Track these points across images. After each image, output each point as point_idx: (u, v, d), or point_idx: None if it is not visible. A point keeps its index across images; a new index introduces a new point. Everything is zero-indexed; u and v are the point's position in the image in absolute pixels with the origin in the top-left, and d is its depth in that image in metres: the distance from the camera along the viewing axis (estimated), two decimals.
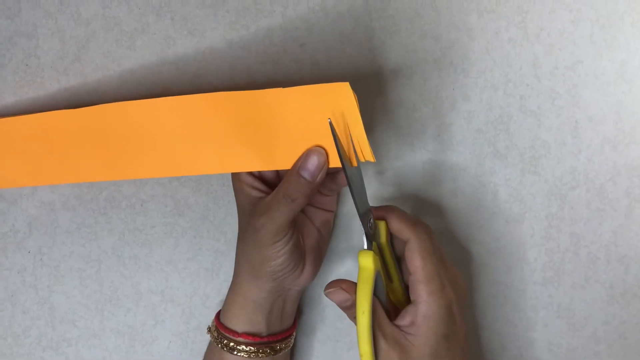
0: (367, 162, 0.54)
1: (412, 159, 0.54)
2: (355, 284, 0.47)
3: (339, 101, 0.43)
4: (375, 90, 0.54)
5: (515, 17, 0.52)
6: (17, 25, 0.53)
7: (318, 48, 0.53)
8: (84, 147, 0.50)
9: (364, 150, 0.45)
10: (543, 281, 0.55)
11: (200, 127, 0.47)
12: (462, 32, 0.53)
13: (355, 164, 0.45)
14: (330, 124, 0.44)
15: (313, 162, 0.45)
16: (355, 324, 0.45)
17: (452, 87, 0.53)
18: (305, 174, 0.45)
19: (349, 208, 0.55)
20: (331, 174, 0.49)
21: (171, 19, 0.53)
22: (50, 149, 0.51)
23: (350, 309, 0.47)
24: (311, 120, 0.45)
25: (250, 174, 0.48)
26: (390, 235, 0.49)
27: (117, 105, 0.48)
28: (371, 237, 0.46)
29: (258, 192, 0.48)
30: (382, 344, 0.45)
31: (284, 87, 0.45)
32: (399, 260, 0.49)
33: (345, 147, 0.45)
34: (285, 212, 0.45)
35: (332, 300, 0.47)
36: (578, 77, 0.53)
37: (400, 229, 0.47)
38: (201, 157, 0.48)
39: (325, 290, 0.48)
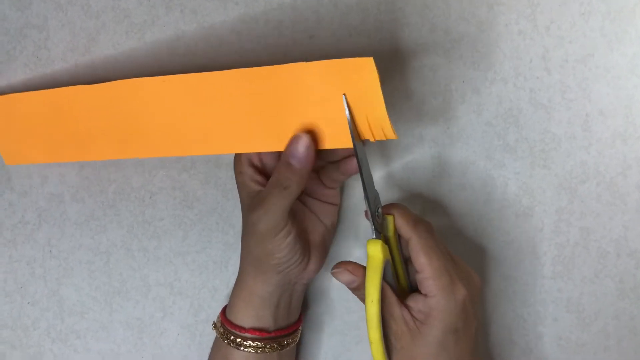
0: (377, 155, 0.54)
1: (421, 153, 0.54)
2: (361, 266, 0.47)
3: (359, 77, 0.42)
4: (384, 83, 0.53)
5: (526, 9, 0.52)
6: (28, 18, 0.54)
7: (327, 40, 0.53)
8: (98, 123, 0.49)
9: (385, 128, 0.44)
10: (552, 275, 0.55)
11: (216, 105, 0.46)
12: (472, 25, 0.53)
13: (372, 139, 0.45)
14: (345, 100, 0.44)
15: (300, 147, 0.45)
16: (364, 305, 0.45)
17: (461, 80, 0.53)
18: (293, 161, 0.45)
19: (355, 202, 0.55)
20: (335, 162, 0.49)
21: (181, 11, 0.53)
22: (64, 125, 0.50)
23: (357, 290, 0.48)
24: (329, 97, 0.44)
25: (252, 165, 0.48)
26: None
27: (132, 82, 0.47)
28: (379, 227, 0.46)
29: (258, 185, 0.48)
30: (392, 325, 0.46)
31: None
32: (406, 261, 0.49)
33: (363, 125, 0.44)
34: (279, 201, 0.45)
35: (338, 280, 0.47)
36: (589, 71, 0.53)
37: (402, 226, 0.47)
38: (216, 136, 0.47)
39: (331, 270, 0.48)
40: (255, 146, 0.47)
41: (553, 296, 0.55)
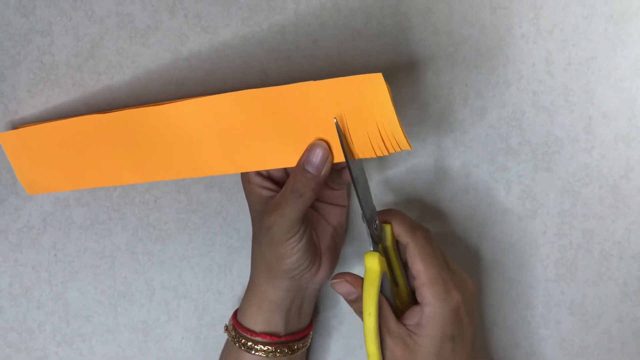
0: (379, 159, 0.55)
1: (424, 156, 0.54)
2: (360, 278, 0.47)
3: (369, 93, 0.43)
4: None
5: (529, 13, 0.52)
6: (32, 23, 0.54)
7: (330, 44, 0.53)
8: (115, 150, 0.50)
9: (399, 140, 0.44)
10: (556, 278, 0.55)
11: (229, 126, 0.47)
12: (475, 28, 0.53)
13: (386, 153, 0.45)
14: (336, 122, 0.44)
15: (317, 156, 0.45)
16: (361, 319, 0.45)
17: (464, 83, 0.53)
18: (310, 168, 0.45)
19: (356, 208, 0.55)
20: (337, 169, 0.49)
21: (184, 16, 0.53)
22: (83, 153, 0.51)
23: (355, 303, 0.48)
24: (338, 113, 0.44)
25: (259, 174, 0.49)
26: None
27: (145, 110, 0.49)
28: (376, 238, 0.47)
29: (268, 191, 0.48)
30: (388, 341, 0.46)
31: (298, 82, 0.44)
32: (405, 264, 0.49)
33: (376, 138, 0.44)
34: (295, 207, 0.45)
35: (337, 291, 0.48)
36: (591, 73, 0.53)
37: (400, 233, 0.47)
38: (230, 156, 0.48)
39: (331, 281, 0.48)
40: (268, 164, 0.47)
41: (556, 299, 0.55)
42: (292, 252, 0.47)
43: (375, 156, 0.45)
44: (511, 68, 0.53)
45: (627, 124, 0.53)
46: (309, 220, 0.49)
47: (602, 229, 0.54)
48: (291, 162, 0.46)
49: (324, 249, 0.50)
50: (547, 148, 0.54)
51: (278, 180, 0.49)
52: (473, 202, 0.55)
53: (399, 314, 0.47)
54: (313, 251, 0.48)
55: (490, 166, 0.54)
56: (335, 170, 0.49)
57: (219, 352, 0.54)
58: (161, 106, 0.48)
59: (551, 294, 0.55)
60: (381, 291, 0.46)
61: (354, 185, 0.45)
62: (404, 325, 0.46)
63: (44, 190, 0.54)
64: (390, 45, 0.53)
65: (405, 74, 0.53)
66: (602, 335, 0.55)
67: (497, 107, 0.53)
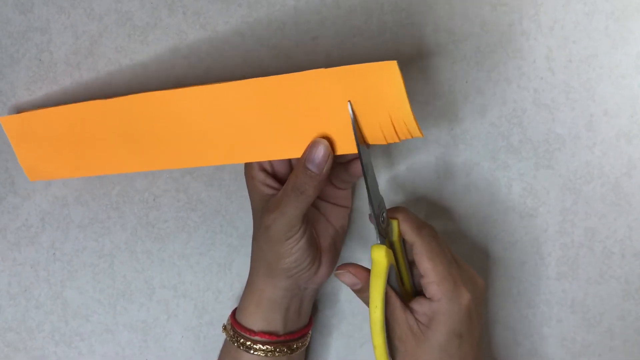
0: (381, 157, 0.54)
1: (425, 153, 0.54)
2: (364, 269, 0.47)
3: (382, 80, 0.42)
4: None
5: (529, 9, 0.52)
6: (31, 21, 0.54)
7: (330, 41, 0.53)
8: (117, 137, 0.50)
9: (410, 127, 0.44)
10: (557, 276, 0.55)
11: (233, 115, 0.46)
12: (476, 25, 0.52)
13: (397, 140, 0.44)
14: (350, 107, 0.43)
15: (318, 153, 0.45)
16: (367, 306, 0.45)
17: (465, 80, 0.53)
18: (311, 166, 0.45)
19: (363, 204, 0.55)
20: (344, 163, 0.48)
21: (183, 13, 0.53)
22: (86, 140, 0.51)
23: (361, 293, 0.48)
24: (346, 103, 0.44)
25: (263, 170, 0.48)
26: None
27: (149, 95, 0.48)
28: (383, 232, 0.46)
29: (270, 189, 0.48)
30: (396, 328, 0.46)
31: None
32: (411, 264, 0.49)
33: (387, 126, 0.44)
34: (295, 206, 0.45)
35: (341, 281, 0.47)
36: (593, 70, 0.52)
37: (406, 231, 0.47)
38: (233, 146, 0.47)
39: (335, 271, 0.48)
40: (272, 154, 0.47)
41: (558, 297, 0.55)
42: (291, 251, 0.47)
43: (385, 142, 0.45)
44: (512, 65, 0.53)
45: (628, 121, 0.53)
46: (310, 220, 0.49)
47: (603, 227, 0.54)
48: (297, 152, 0.46)
49: (324, 248, 0.50)
50: (548, 145, 0.53)
51: (281, 177, 0.49)
52: (474, 200, 0.54)
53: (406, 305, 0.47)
54: (313, 251, 0.48)
55: (491, 164, 0.54)
56: (342, 163, 0.48)
57: (219, 351, 0.53)
58: (166, 91, 0.47)
59: (553, 292, 0.55)
60: (388, 282, 0.45)
61: (364, 174, 0.45)
62: (412, 312, 0.46)
63: (46, 176, 0.53)
64: (390, 42, 0.53)
65: (404, 72, 0.53)
66: (604, 333, 0.55)
67: (497, 105, 0.53)
